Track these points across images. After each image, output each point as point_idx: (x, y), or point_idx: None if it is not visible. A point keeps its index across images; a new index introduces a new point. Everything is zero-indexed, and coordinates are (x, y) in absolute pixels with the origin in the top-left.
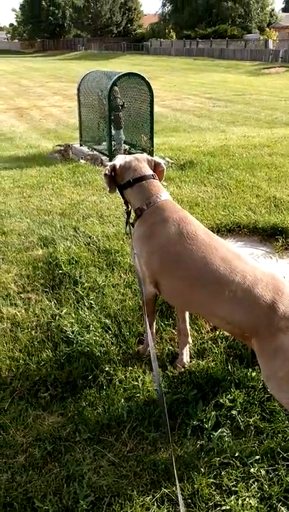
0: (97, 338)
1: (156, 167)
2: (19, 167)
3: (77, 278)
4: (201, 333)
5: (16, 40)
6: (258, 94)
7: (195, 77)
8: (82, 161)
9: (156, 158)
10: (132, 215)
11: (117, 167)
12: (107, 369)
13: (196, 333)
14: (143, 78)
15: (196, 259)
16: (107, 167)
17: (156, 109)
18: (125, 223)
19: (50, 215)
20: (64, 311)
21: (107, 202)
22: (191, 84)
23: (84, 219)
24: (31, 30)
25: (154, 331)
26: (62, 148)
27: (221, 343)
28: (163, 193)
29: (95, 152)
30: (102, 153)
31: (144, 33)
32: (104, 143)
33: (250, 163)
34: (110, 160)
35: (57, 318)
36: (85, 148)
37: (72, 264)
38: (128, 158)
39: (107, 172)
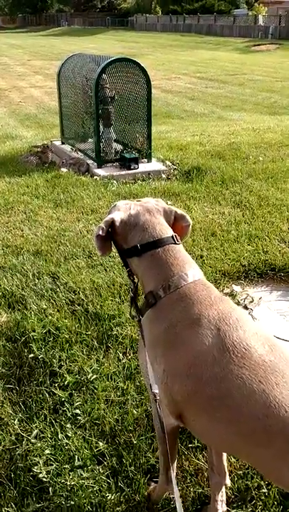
0: (86, 482)
1: (176, 221)
2: None
3: (55, 367)
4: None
5: None
6: (252, 74)
7: (183, 54)
8: (63, 170)
9: (176, 209)
10: (141, 291)
11: (117, 224)
12: None
13: (232, 459)
14: (138, 64)
15: (250, 394)
16: (101, 225)
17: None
18: (130, 303)
19: (20, 255)
20: (34, 432)
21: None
22: (180, 63)
23: (66, 260)
24: (12, 5)
25: (175, 473)
26: (39, 149)
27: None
28: (190, 269)
29: (80, 154)
30: (88, 156)
31: (128, 8)
32: (90, 139)
33: (271, 171)
34: (99, 165)
35: (24, 443)
36: (67, 147)
37: (49, 341)
38: (134, 208)
39: (100, 232)
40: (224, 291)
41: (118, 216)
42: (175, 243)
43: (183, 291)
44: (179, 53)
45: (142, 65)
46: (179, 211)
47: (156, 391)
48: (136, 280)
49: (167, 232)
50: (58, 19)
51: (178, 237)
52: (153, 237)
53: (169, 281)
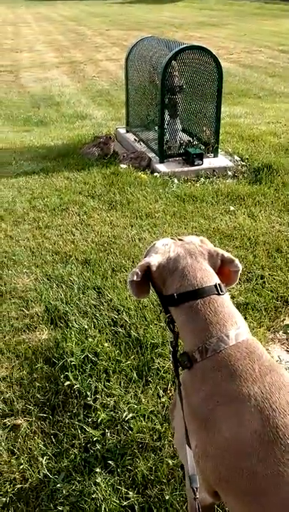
0: None
1: (224, 265)
2: (44, 171)
3: (90, 400)
4: None
5: None
6: None
7: (266, 24)
8: (122, 166)
9: (223, 251)
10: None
11: (153, 269)
12: None
13: None
14: (209, 53)
15: None
16: (136, 270)
17: (221, 64)
18: (171, 355)
19: (68, 264)
20: (62, 474)
21: (150, 239)
22: (262, 34)
23: (114, 272)
24: None
25: None
26: (101, 139)
27: None
28: (233, 327)
29: (142, 145)
30: (151, 148)
31: None
32: (154, 130)
33: None
34: (161, 160)
35: (51, 484)
36: (131, 137)
37: (86, 369)
38: (174, 250)
39: (135, 278)
40: (285, 322)
41: (155, 260)
42: (218, 293)
43: (222, 358)
44: (263, 23)
45: (214, 53)
46: (227, 254)
47: (196, 487)
48: (177, 330)
49: (210, 279)
50: None
51: (222, 286)
52: (192, 285)
53: (206, 343)
